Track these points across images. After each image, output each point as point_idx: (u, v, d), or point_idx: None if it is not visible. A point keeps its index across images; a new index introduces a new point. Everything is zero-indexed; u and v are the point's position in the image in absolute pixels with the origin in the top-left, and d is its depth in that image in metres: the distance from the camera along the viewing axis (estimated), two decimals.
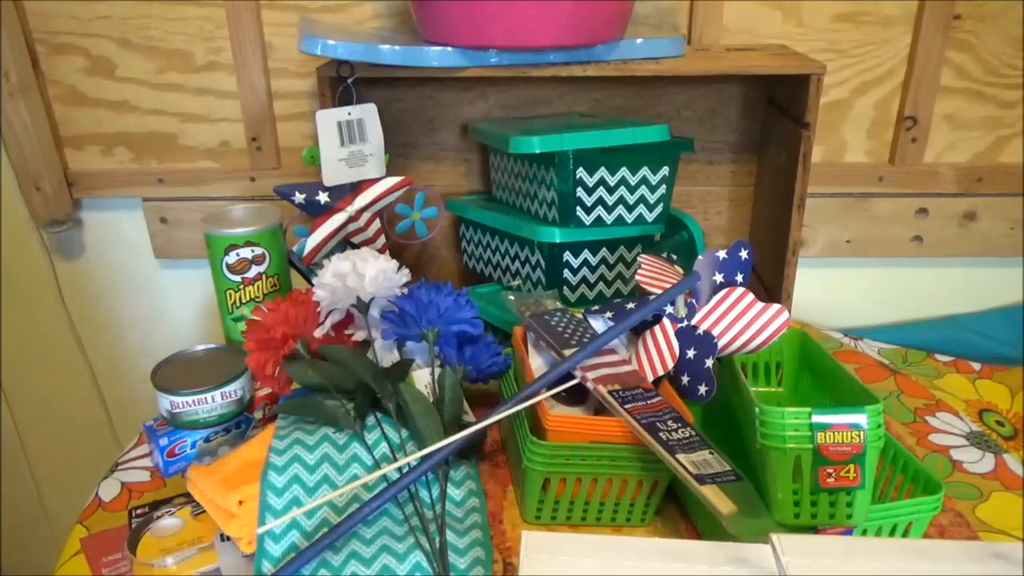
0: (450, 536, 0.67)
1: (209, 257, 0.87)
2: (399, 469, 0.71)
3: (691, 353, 0.69)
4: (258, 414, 0.86)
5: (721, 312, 0.71)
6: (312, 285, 0.88)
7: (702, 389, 0.69)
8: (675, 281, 0.73)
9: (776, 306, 0.70)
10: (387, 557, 0.64)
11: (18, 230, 1.12)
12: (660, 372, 0.70)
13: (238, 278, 0.87)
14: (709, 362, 0.68)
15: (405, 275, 0.82)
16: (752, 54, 0.92)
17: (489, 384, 0.92)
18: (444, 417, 0.73)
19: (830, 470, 0.60)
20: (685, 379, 0.70)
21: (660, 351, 0.70)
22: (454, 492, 0.71)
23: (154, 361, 0.84)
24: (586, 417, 0.70)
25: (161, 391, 0.80)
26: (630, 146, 0.89)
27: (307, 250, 0.88)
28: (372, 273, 0.78)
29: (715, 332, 0.70)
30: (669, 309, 0.72)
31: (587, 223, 0.90)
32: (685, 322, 0.71)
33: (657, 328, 0.71)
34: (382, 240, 0.91)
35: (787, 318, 0.70)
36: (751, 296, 0.71)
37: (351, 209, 0.87)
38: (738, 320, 0.70)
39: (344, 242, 0.90)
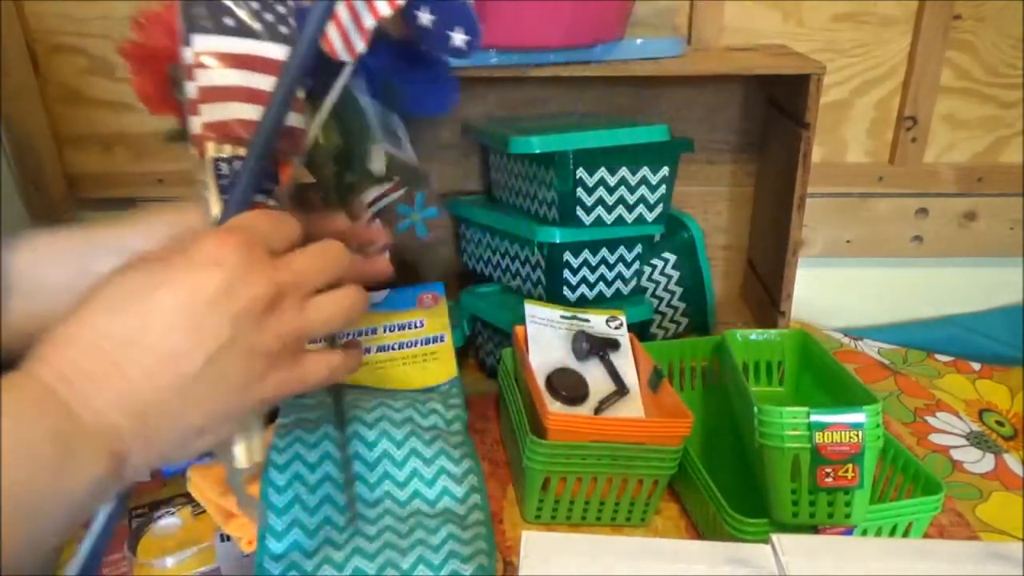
0: (453, 530, 0.67)
1: None
2: (397, 465, 0.71)
3: None
4: None
5: None
6: None
7: (458, 38, 0.51)
8: None
9: None
10: (390, 552, 0.64)
11: (18, 230, 1.11)
12: (382, 12, 0.50)
13: None
14: None
15: None
16: (752, 54, 0.92)
17: (488, 384, 0.92)
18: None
19: (828, 470, 0.60)
20: (426, 18, 0.50)
21: None
22: (455, 488, 0.71)
23: None
24: (586, 416, 0.70)
25: None
26: (630, 146, 0.89)
27: None
28: None
29: None
30: None
31: (587, 223, 0.90)
32: None
33: None
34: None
35: None
36: None
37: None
38: None
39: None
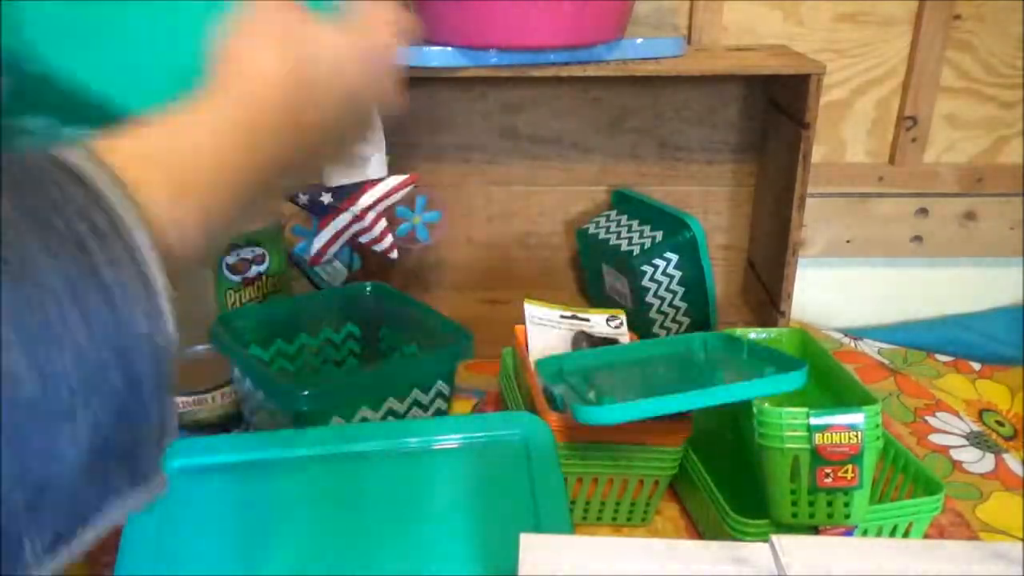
0: None
1: None
2: None
3: None
4: None
5: None
6: (314, 285, 0.89)
7: None
8: None
9: None
10: None
11: None
12: None
13: (238, 278, 0.87)
14: None
15: None
16: (752, 54, 0.92)
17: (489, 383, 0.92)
18: None
19: (828, 470, 0.60)
20: None
21: None
22: None
23: None
24: None
25: None
26: None
27: (314, 250, 0.88)
28: None
29: None
30: None
31: None
32: None
33: None
34: (389, 239, 0.91)
35: None
36: None
37: (355, 209, 0.87)
38: None
39: (350, 242, 0.90)
